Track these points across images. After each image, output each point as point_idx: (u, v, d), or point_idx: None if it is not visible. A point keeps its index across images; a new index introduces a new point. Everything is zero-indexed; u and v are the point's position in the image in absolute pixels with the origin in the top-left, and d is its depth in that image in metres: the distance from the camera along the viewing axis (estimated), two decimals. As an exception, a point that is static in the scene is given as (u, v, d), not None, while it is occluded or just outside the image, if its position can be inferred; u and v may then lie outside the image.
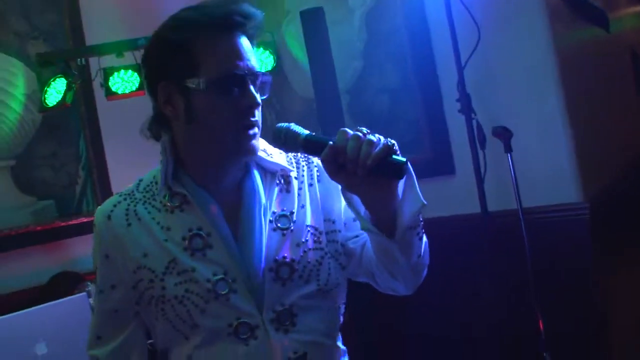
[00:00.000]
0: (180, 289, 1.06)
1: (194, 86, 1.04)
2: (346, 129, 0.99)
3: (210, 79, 1.03)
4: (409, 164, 0.97)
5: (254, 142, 1.07)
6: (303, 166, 1.19)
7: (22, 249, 2.54)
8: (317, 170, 1.18)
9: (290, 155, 1.20)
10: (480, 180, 2.07)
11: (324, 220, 1.16)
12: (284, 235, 1.11)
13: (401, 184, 1.00)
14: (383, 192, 0.99)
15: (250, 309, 1.07)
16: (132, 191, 1.15)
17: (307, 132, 1.03)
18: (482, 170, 2.07)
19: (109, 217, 1.12)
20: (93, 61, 2.64)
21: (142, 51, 2.50)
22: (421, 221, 1.05)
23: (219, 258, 1.08)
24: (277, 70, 2.79)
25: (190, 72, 1.04)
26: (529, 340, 1.95)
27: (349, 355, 1.23)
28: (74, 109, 2.84)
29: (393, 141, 0.98)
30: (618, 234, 2.16)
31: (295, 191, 1.16)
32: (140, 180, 1.17)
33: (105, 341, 1.14)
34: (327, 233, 1.16)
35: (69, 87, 2.56)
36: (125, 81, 2.63)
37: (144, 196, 1.13)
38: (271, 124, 1.24)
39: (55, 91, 2.57)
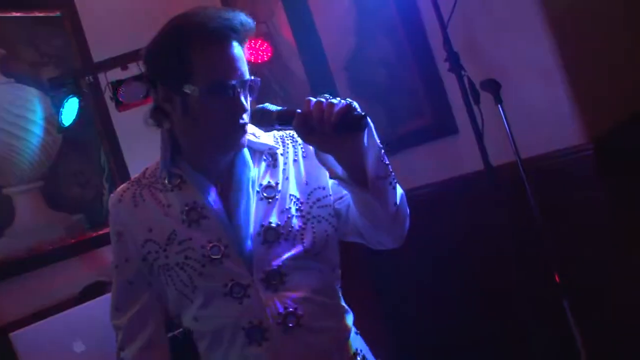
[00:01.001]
0: (181, 257, 1.21)
1: (189, 92, 1.15)
2: (310, 98, 1.10)
3: (204, 86, 1.14)
4: (367, 117, 1.08)
5: (242, 139, 1.21)
6: (288, 144, 1.32)
7: (59, 262, 2.70)
8: (301, 148, 1.31)
9: (277, 135, 1.32)
10: (479, 136, 2.08)
11: (315, 189, 1.28)
12: (269, 203, 1.24)
13: (365, 138, 1.11)
14: (350, 146, 1.10)
15: (241, 270, 1.20)
16: (139, 178, 1.32)
17: (279, 107, 1.14)
18: (480, 125, 2.08)
19: (119, 201, 1.29)
20: (101, 77, 2.76)
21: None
22: (391, 171, 1.15)
23: (212, 227, 1.21)
24: (276, 58, 2.86)
25: (186, 78, 1.15)
26: (546, 291, 1.97)
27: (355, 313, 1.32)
28: (91, 125, 2.99)
29: (351, 100, 1.09)
30: (628, 174, 2.14)
31: (280, 166, 1.28)
32: (147, 168, 1.34)
33: (123, 311, 1.30)
34: (317, 199, 1.27)
35: (81, 105, 2.69)
36: (132, 91, 2.74)
37: (149, 181, 1.29)
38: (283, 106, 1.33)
39: (70, 111, 2.71)
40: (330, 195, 1.29)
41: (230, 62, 1.16)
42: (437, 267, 2.43)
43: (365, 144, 1.11)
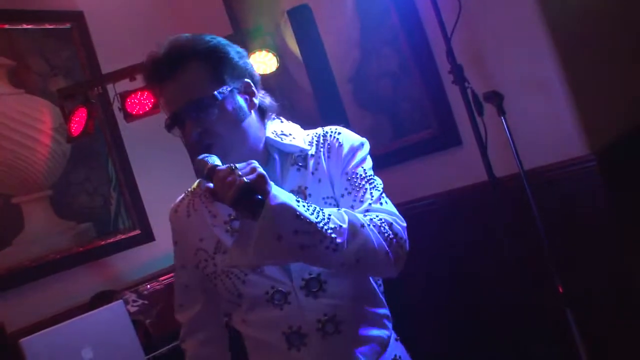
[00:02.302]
0: (226, 265, 1.24)
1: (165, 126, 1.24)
2: (217, 168, 1.08)
3: (166, 123, 1.23)
4: (264, 203, 1.02)
5: (214, 156, 1.14)
6: (321, 143, 1.28)
7: (67, 270, 2.73)
8: (329, 147, 1.27)
9: (312, 133, 1.31)
10: (483, 148, 2.10)
11: (342, 190, 1.24)
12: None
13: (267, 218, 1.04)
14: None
15: (281, 277, 1.22)
16: (195, 188, 1.36)
17: (215, 164, 1.11)
18: (484, 136, 2.10)
19: (175, 211, 1.37)
20: (110, 87, 2.80)
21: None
22: (328, 235, 1.06)
23: None
24: (282, 70, 2.89)
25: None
26: (550, 301, 1.98)
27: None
28: (99, 135, 3.03)
29: (260, 174, 1.05)
30: (630, 185, 2.15)
31: (310, 168, 1.25)
32: (199, 181, 1.37)
33: (184, 309, 1.41)
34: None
35: (90, 116, 2.73)
36: (140, 102, 2.78)
37: (202, 191, 1.32)
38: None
39: (79, 121, 2.75)
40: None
41: (167, 100, 1.21)
42: (440, 277, 2.45)
43: (275, 223, 1.04)
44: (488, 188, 2.17)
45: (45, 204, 2.82)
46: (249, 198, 1.03)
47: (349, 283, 1.23)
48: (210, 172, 1.09)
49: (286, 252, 1.05)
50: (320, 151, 1.27)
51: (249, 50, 2.64)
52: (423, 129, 2.57)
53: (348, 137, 1.28)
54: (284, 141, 1.26)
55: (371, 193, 1.22)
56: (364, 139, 1.31)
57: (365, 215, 1.15)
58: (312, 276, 1.21)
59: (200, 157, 1.13)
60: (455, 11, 2.10)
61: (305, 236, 1.05)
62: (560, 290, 1.92)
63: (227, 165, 1.08)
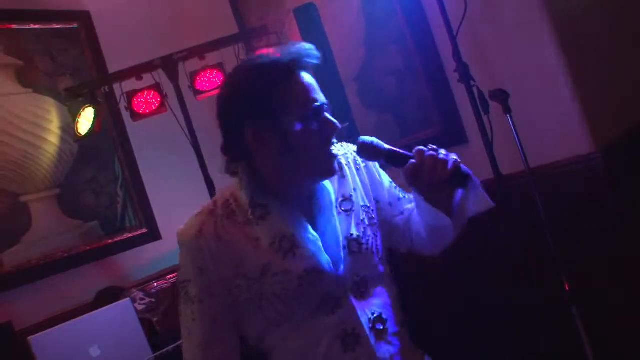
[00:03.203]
0: (278, 287, 1.23)
1: (287, 123, 1.20)
2: (422, 147, 1.21)
3: (299, 115, 1.20)
4: (472, 175, 1.23)
5: (335, 165, 1.27)
6: (348, 156, 1.39)
7: (74, 268, 2.75)
8: (359, 161, 1.40)
9: (338, 148, 1.37)
10: (489, 146, 2.11)
11: (374, 199, 1.37)
12: (348, 215, 1.31)
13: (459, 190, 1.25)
14: (444, 195, 1.24)
15: (335, 285, 1.25)
16: (212, 210, 1.29)
17: (389, 147, 1.26)
18: (490, 134, 2.10)
19: (200, 233, 1.25)
20: (116, 87, 2.83)
21: (159, 71, 2.69)
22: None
23: (308, 255, 1.24)
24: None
25: (281, 111, 1.20)
26: (555, 298, 1.98)
27: None
28: (106, 134, 3.05)
29: (455, 157, 1.21)
30: (636, 182, 2.15)
31: (348, 176, 1.36)
32: (215, 200, 1.32)
33: (212, 347, 1.26)
34: (379, 210, 1.37)
35: (97, 115, 2.75)
36: (147, 101, 2.80)
37: (225, 212, 1.28)
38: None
39: (86, 120, 2.77)
40: (384, 209, 1.39)
41: (313, 87, 1.23)
42: (445, 274, 2.45)
43: (457, 197, 1.24)
44: (494, 186, 2.17)
45: (52, 203, 2.84)
46: (461, 174, 1.19)
47: (384, 283, 1.32)
48: (398, 155, 1.23)
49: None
50: (349, 161, 1.38)
51: (255, 49, 2.65)
52: (428, 127, 2.57)
53: None
54: (333, 151, 1.28)
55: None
56: None
57: None
58: (360, 278, 1.27)
59: (364, 139, 1.25)
60: (461, 9, 2.10)
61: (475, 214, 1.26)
62: (567, 287, 1.92)
63: (430, 146, 1.21)
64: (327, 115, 1.23)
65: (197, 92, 2.73)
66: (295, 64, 1.21)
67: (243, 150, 1.25)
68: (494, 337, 2.36)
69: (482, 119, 2.10)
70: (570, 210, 2.10)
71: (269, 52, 1.24)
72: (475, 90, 2.08)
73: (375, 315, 1.26)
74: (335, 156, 1.26)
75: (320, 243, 1.26)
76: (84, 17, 3.17)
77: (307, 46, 1.23)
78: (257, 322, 1.26)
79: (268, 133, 1.21)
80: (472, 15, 2.14)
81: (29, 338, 2.07)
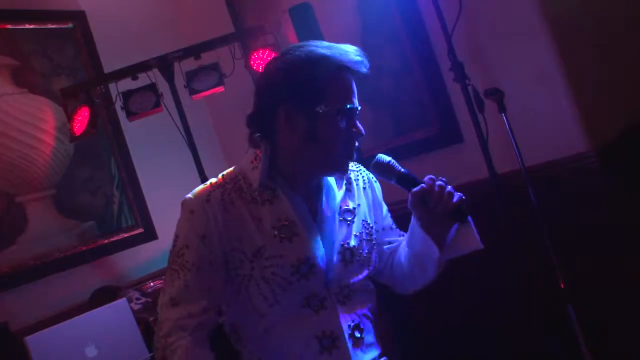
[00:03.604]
0: (268, 271, 1.25)
1: (321, 111, 1.24)
2: (432, 177, 1.30)
3: (336, 107, 1.25)
4: (468, 215, 1.31)
5: (348, 166, 1.33)
6: (358, 173, 1.47)
7: (71, 268, 2.74)
8: (367, 180, 1.47)
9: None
10: (484, 145, 2.11)
11: (374, 220, 1.43)
12: (348, 225, 1.36)
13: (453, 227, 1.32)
14: (441, 227, 1.32)
15: (322, 285, 1.29)
16: (221, 182, 1.31)
17: (401, 169, 1.34)
18: (485, 133, 2.11)
19: (207, 200, 1.27)
20: (112, 87, 2.82)
21: (155, 71, 2.68)
22: None
23: (304, 245, 1.28)
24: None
25: (319, 99, 1.24)
26: (551, 296, 1.99)
27: None
28: (102, 134, 3.04)
29: (461, 194, 1.31)
30: (631, 181, 2.16)
31: (355, 191, 1.42)
32: (223, 175, 1.34)
33: (195, 317, 1.23)
34: (376, 230, 1.43)
35: (92, 115, 2.74)
36: (142, 101, 2.79)
37: (234, 187, 1.30)
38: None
39: (82, 120, 2.75)
40: (377, 232, 1.43)
41: (355, 91, 1.29)
42: (441, 273, 2.45)
43: (451, 232, 1.32)
44: (489, 185, 2.18)
45: (48, 203, 2.83)
46: (462, 209, 1.29)
47: (368, 295, 1.38)
48: (410, 179, 1.31)
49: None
50: (358, 178, 1.44)
51: (251, 49, 2.65)
52: (424, 126, 2.58)
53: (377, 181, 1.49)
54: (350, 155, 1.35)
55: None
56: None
57: None
58: (344, 285, 1.31)
59: (382, 158, 1.32)
60: (456, 9, 2.11)
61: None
62: (562, 285, 1.93)
63: (441, 178, 1.30)
64: (357, 122, 1.29)
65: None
66: (347, 64, 1.25)
67: (270, 127, 1.28)
68: (489, 335, 2.37)
69: (478, 118, 2.11)
70: (566, 209, 2.11)
71: (323, 43, 1.29)
72: (470, 89, 2.09)
73: (355, 323, 1.30)
74: (351, 158, 1.31)
75: (318, 238, 1.30)
76: (80, 17, 3.16)
77: (359, 52, 1.28)
78: (239, 305, 1.28)
79: (300, 116, 1.25)
80: (467, 14, 2.15)
81: (25, 338, 2.06)
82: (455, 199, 1.27)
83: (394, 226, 1.50)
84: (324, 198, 1.34)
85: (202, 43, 2.67)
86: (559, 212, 2.09)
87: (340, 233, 1.33)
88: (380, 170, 1.33)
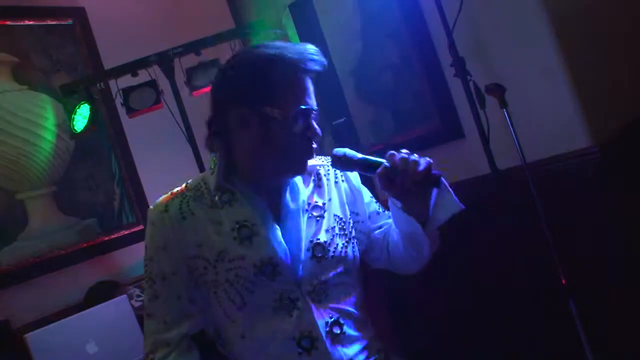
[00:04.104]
0: (231, 274, 1.24)
1: (272, 114, 1.22)
2: (393, 152, 1.23)
3: (287, 111, 1.22)
4: (442, 177, 1.25)
5: (307, 165, 1.31)
6: (328, 168, 1.42)
7: (71, 265, 2.74)
8: (341, 174, 1.44)
9: (317, 159, 1.42)
10: (485, 140, 2.10)
11: (352, 212, 1.39)
12: (317, 221, 1.33)
13: (433, 192, 1.26)
14: (420, 198, 1.26)
15: (291, 285, 1.27)
16: (182, 191, 1.33)
17: (361, 155, 1.29)
18: (486, 129, 2.09)
19: (165, 210, 1.28)
20: (112, 83, 2.81)
21: (155, 67, 2.68)
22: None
23: (264, 245, 1.26)
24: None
25: (271, 102, 1.22)
26: (553, 293, 1.98)
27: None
28: (103, 131, 3.04)
29: (429, 159, 1.24)
30: (633, 177, 2.14)
31: (325, 186, 1.38)
32: (187, 184, 1.35)
33: (175, 326, 1.27)
34: (356, 222, 1.39)
35: (93, 112, 2.74)
36: (143, 97, 2.79)
37: (194, 194, 1.31)
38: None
39: (82, 117, 2.76)
40: (364, 222, 1.40)
41: (310, 91, 1.26)
42: (443, 270, 2.45)
43: (432, 200, 1.26)
44: (490, 180, 2.17)
45: (49, 200, 2.84)
46: (432, 174, 1.22)
47: (347, 291, 1.34)
48: (371, 162, 1.24)
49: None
50: (329, 174, 1.41)
51: (251, 45, 2.64)
52: (425, 122, 2.57)
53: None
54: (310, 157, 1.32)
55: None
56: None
57: None
58: (319, 282, 1.28)
59: (336, 152, 1.27)
60: (457, 3, 2.09)
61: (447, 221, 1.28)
62: (564, 281, 1.92)
63: (402, 150, 1.23)
64: (313, 121, 1.26)
65: (193, 88, 2.72)
66: (300, 64, 1.23)
67: (225, 130, 1.28)
68: (490, 331, 2.36)
69: (479, 114, 2.10)
70: (568, 205, 2.10)
71: (276, 44, 1.26)
72: (471, 84, 2.08)
73: (332, 319, 1.28)
74: (309, 157, 1.28)
75: (280, 235, 1.27)
76: (79, 14, 3.15)
77: (314, 50, 1.25)
78: (214, 312, 1.28)
79: (252, 120, 1.23)
80: (468, 9, 2.13)
81: (25, 335, 2.07)
82: (422, 167, 1.21)
83: (381, 210, 1.46)
84: (288, 195, 1.33)
85: (203, 39, 2.67)
86: (560, 208, 2.07)
87: (308, 229, 1.30)
88: (340, 165, 1.29)
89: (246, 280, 1.23)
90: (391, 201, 1.29)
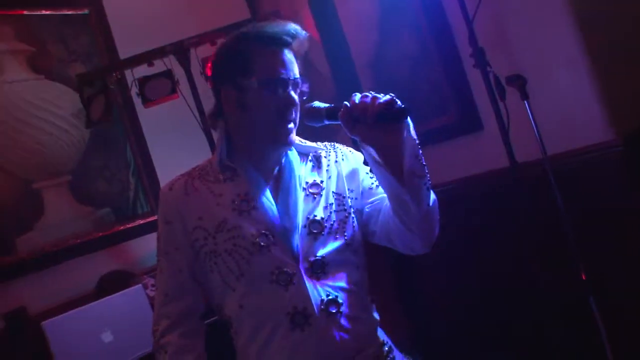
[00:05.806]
0: (229, 244, 1.29)
1: (246, 85, 1.30)
2: (356, 93, 1.21)
3: (259, 79, 1.29)
4: (407, 111, 1.17)
5: (290, 135, 1.33)
6: (330, 150, 1.46)
7: (87, 254, 2.75)
8: (341, 154, 1.45)
9: (321, 144, 1.46)
10: (504, 133, 2.07)
11: (350, 189, 1.40)
12: (314, 199, 1.35)
13: (404, 133, 1.18)
14: (390, 139, 1.17)
15: (287, 259, 1.29)
16: (190, 172, 1.41)
17: (327, 105, 1.27)
18: (506, 121, 2.06)
19: (170, 189, 1.38)
20: (128, 73, 2.81)
21: (171, 57, 2.67)
22: (427, 173, 1.22)
23: (262, 217, 1.31)
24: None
25: (245, 73, 1.30)
26: (572, 288, 1.95)
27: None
28: (118, 120, 3.04)
29: (393, 95, 1.19)
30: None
31: (324, 167, 1.42)
32: (197, 166, 1.43)
33: (175, 299, 1.35)
34: (353, 199, 1.39)
35: (108, 101, 2.73)
36: (158, 87, 2.78)
37: (200, 173, 1.39)
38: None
39: (97, 106, 2.76)
40: (357, 198, 1.40)
41: (283, 62, 1.30)
42: (461, 263, 2.42)
43: (404, 139, 1.18)
44: (509, 174, 2.14)
45: (64, 190, 2.84)
46: (394, 108, 1.16)
47: (347, 269, 1.33)
48: (334, 108, 1.22)
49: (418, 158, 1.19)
50: (330, 155, 1.43)
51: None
52: (443, 114, 2.54)
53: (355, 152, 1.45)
54: (300, 144, 1.39)
55: None
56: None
57: None
58: (316, 258, 1.29)
59: (310, 104, 1.26)
60: (478, -8, 2.06)
61: (418, 164, 1.19)
62: (583, 277, 1.89)
63: (363, 94, 1.20)
64: (290, 91, 1.29)
65: (208, 78, 2.70)
66: (274, 36, 1.29)
67: (222, 110, 1.37)
68: (508, 326, 2.33)
69: (498, 105, 2.07)
70: (588, 199, 2.06)
71: (257, 24, 1.33)
72: (491, 75, 2.04)
73: (329, 298, 1.28)
74: (290, 130, 1.31)
75: (275, 210, 1.32)
76: (95, 3, 3.14)
77: (294, 26, 1.31)
78: (214, 282, 1.31)
79: (233, 93, 1.31)
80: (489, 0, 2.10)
81: (42, 323, 2.08)
82: (382, 100, 1.17)
83: (374, 186, 1.41)
84: (285, 172, 1.37)
85: (218, 29, 2.65)
86: (581, 202, 2.04)
87: (305, 206, 1.34)
88: (310, 118, 1.28)
89: (243, 249, 1.27)
90: (364, 152, 1.23)
